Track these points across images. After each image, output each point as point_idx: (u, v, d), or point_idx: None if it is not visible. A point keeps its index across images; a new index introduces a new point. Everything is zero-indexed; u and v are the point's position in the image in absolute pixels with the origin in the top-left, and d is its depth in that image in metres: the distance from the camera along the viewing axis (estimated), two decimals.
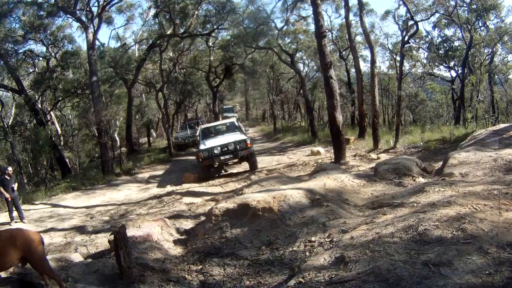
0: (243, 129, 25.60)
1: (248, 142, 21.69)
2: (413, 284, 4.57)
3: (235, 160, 22.99)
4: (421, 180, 10.90)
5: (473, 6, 36.13)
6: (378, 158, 19.03)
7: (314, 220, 8.14)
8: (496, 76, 42.64)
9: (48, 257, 8.79)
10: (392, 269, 4.91)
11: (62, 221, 16.21)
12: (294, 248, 7.30)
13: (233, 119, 28.24)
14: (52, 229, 15.02)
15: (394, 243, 5.70)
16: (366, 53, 47.24)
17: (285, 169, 20.82)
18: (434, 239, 5.49)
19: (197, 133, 26.94)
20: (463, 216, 5.92)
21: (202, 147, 22.01)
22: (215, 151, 21.28)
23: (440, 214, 6.22)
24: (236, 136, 22.49)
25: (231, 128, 25.32)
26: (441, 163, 13.48)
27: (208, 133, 25.00)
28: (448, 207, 6.50)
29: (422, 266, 4.86)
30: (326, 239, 7.16)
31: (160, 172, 26.48)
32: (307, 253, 6.90)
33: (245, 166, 23.04)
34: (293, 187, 10.01)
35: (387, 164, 12.27)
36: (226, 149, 21.41)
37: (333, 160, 19.83)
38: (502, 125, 16.98)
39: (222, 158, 21.41)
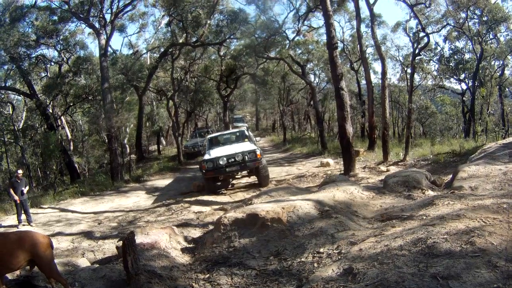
0: (253, 138, 24.14)
1: (258, 153, 19.86)
2: None
3: (244, 173, 21.88)
4: (430, 193, 10.88)
5: (484, 18, 36.14)
6: (388, 170, 19.03)
7: (323, 231, 8.14)
8: (507, 89, 42.63)
9: (56, 261, 8.81)
10: (401, 281, 4.90)
11: (70, 226, 16.26)
12: (302, 259, 7.30)
13: (243, 128, 26.75)
14: (59, 233, 15.07)
15: (402, 255, 5.70)
16: (377, 64, 47.51)
17: (294, 180, 20.70)
18: (443, 252, 5.48)
19: (204, 142, 25.20)
20: (472, 230, 5.91)
21: (206, 157, 20.30)
22: (221, 162, 19.47)
23: (449, 227, 6.22)
24: (245, 146, 20.79)
25: (240, 137, 23.48)
26: (450, 176, 13.44)
27: (215, 143, 23.36)
28: (457, 220, 6.49)
29: (431, 279, 4.85)
30: (335, 251, 7.16)
31: (169, 180, 26.48)
32: (315, 264, 6.90)
33: (254, 179, 21.63)
34: (302, 198, 10.01)
35: (397, 177, 12.26)
36: (233, 160, 19.57)
37: (342, 171, 19.77)
38: None
39: (228, 170, 19.62)
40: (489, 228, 5.90)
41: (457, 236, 5.82)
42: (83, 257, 11.43)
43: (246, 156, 19.62)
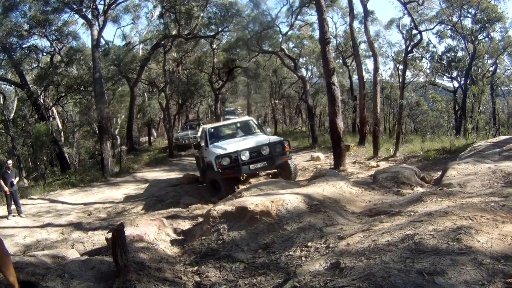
0: (267, 130, 19.99)
1: (286, 144, 16.62)
2: None
3: (269, 171, 17.24)
4: (419, 189, 10.90)
5: (477, 17, 36.33)
6: (378, 166, 19.08)
7: (311, 225, 8.15)
8: (499, 88, 42.89)
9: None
10: (387, 277, 4.92)
11: (60, 217, 16.29)
12: (291, 253, 7.30)
13: (250, 117, 22.13)
14: (49, 225, 15.11)
15: (389, 251, 5.72)
16: (369, 61, 47.73)
17: None
18: (429, 249, 5.50)
19: (200, 135, 20.56)
20: (459, 227, 5.92)
21: (218, 151, 16.16)
22: (243, 157, 15.67)
23: (436, 224, 6.23)
24: (264, 137, 17.13)
25: (250, 128, 19.49)
26: (440, 173, 13.50)
27: (218, 135, 18.98)
28: (445, 217, 6.50)
29: (416, 275, 4.86)
30: (323, 245, 7.17)
31: (160, 172, 26.46)
32: (303, 258, 6.91)
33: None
34: (292, 192, 10.01)
35: (386, 173, 12.29)
36: (257, 154, 15.96)
37: (332, 166, 19.82)
38: (502, 137, 17.03)
39: (252, 167, 15.90)
40: (476, 226, 5.92)
41: (444, 233, 5.83)
42: (73, 248, 11.48)
43: (273, 149, 16.15)
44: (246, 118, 22.07)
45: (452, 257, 5.11)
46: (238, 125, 20.19)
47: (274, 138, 16.90)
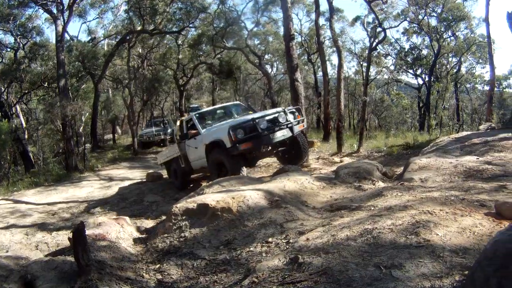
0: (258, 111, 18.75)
1: (298, 114, 15.27)
2: (363, 285, 4.62)
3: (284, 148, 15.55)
4: (380, 184, 11.00)
5: (443, 15, 36.84)
6: (341, 161, 19.18)
7: (272, 221, 8.20)
8: (463, 86, 43.56)
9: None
10: (344, 271, 4.98)
11: (24, 218, 16.10)
12: (251, 249, 7.34)
13: (238, 102, 20.83)
14: (13, 226, 14.93)
15: (348, 245, 5.77)
16: (334, 57, 48.09)
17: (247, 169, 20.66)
18: (387, 242, 5.56)
19: (179, 127, 18.15)
20: (418, 221, 6.00)
21: (227, 125, 14.09)
22: (261, 125, 13.73)
23: (395, 218, 6.31)
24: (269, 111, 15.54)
25: (242, 110, 17.65)
26: (402, 168, 13.65)
27: (206, 121, 16.58)
28: (404, 211, 6.58)
29: (374, 268, 4.92)
30: (283, 240, 7.22)
31: (124, 170, 26.34)
32: (264, 254, 6.95)
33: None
34: (253, 188, 10.03)
35: (348, 168, 12.38)
36: (273, 123, 14.11)
37: None
38: (464, 133, 17.27)
39: (272, 137, 14.00)
40: (435, 219, 6.00)
41: (403, 227, 5.91)
42: (37, 249, 11.37)
43: (289, 117, 14.46)
44: (234, 102, 21.00)
45: (410, 251, 5.19)
46: (227, 109, 18.03)
47: (289, 108, 15.38)
